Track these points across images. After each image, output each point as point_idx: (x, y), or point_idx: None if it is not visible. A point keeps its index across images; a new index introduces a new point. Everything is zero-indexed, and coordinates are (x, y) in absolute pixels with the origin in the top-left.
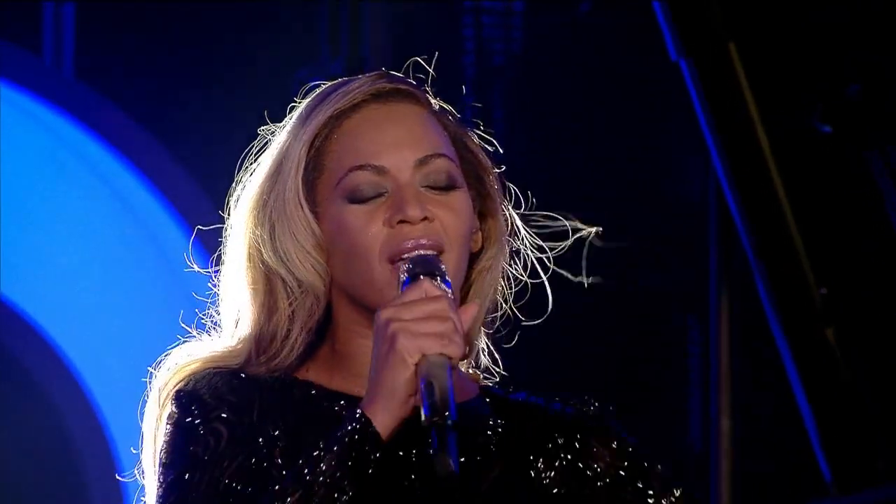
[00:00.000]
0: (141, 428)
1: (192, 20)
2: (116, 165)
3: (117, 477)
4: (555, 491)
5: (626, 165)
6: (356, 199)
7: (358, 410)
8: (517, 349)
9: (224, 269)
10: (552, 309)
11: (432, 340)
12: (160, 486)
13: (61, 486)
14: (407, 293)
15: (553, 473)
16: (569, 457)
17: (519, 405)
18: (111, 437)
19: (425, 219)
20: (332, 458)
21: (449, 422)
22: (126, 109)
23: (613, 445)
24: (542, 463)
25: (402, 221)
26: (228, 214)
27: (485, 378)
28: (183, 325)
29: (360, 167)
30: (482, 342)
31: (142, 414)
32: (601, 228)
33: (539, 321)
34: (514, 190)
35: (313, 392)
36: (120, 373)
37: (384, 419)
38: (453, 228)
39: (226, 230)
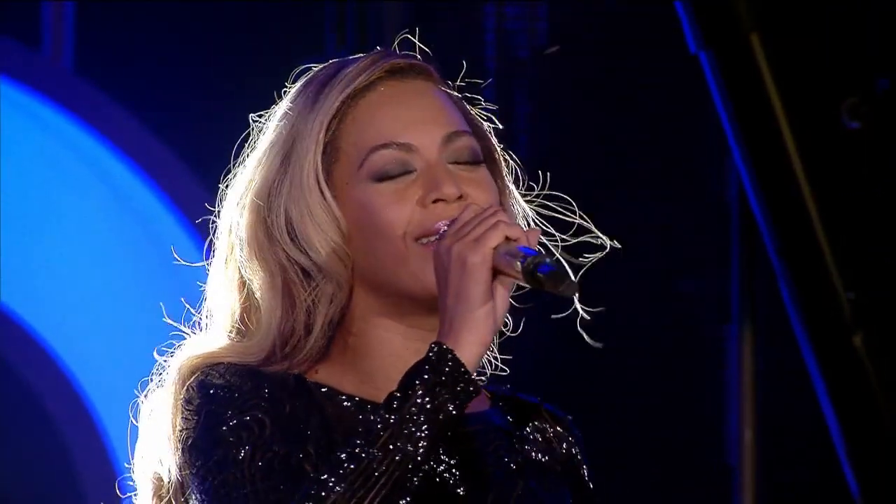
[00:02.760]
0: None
1: (194, 11)
2: (116, 163)
3: (115, 480)
4: (567, 479)
5: (655, 162)
6: (383, 177)
7: (436, 344)
8: (538, 355)
9: (220, 263)
10: (574, 312)
11: (495, 231)
12: (203, 468)
13: (57, 493)
14: (458, 219)
15: (560, 468)
16: (563, 452)
17: (524, 404)
18: (109, 443)
19: (460, 197)
20: (419, 393)
21: (547, 259)
22: (127, 106)
23: (581, 450)
24: (550, 459)
25: (437, 200)
26: (222, 206)
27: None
28: (180, 323)
29: (385, 145)
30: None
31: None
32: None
33: (562, 325)
34: (518, 169)
35: (330, 393)
36: (117, 377)
37: (470, 345)
38: (485, 205)
39: (219, 223)
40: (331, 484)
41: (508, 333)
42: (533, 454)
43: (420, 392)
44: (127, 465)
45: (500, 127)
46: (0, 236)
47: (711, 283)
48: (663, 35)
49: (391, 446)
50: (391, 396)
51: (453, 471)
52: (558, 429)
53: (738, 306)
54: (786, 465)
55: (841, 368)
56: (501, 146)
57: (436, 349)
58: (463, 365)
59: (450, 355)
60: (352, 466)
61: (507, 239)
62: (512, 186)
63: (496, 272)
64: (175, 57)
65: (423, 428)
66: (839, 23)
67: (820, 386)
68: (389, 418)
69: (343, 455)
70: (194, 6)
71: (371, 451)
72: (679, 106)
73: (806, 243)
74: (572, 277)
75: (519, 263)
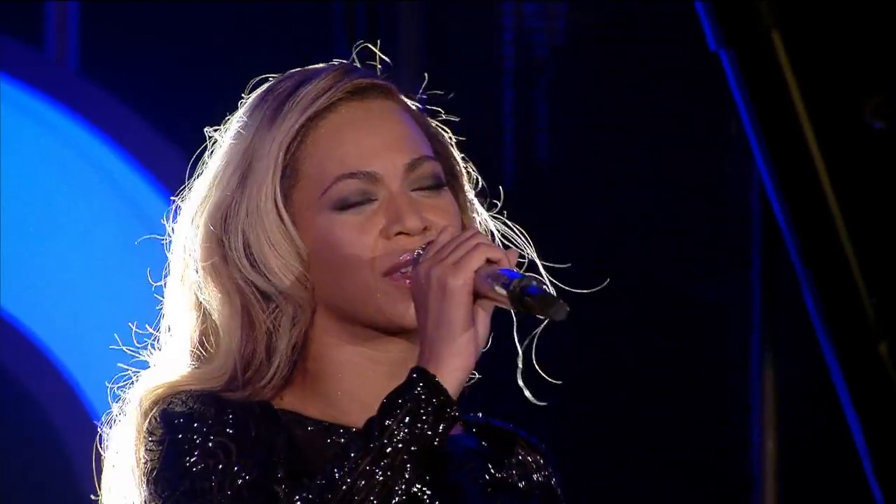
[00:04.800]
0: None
1: (200, 10)
2: (121, 164)
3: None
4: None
5: (676, 163)
6: (345, 207)
7: (419, 369)
8: (554, 362)
9: (175, 282)
10: (590, 321)
11: (476, 254)
12: (170, 499)
13: (59, 500)
14: (436, 242)
15: (537, 493)
16: (539, 480)
17: (498, 430)
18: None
19: (424, 229)
20: (400, 419)
21: (534, 281)
22: (133, 107)
23: (557, 478)
24: (525, 484)
25: (399, 233)
26: (175, 221)
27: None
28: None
29: (351, 175)
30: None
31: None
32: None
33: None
34: (484, 185)
35: (297, 417)
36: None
37: (452, 371)
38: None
39: (172, 238)
40: None
41: (482, 349)
42: (508, 477)
43: (402, 418)
44: (93, 498)
45: (470, 145)
46: (0, 239)
47: (735, 289)
48: (684, 33)
49: (372, 474)
50: (371, 422)
51: (426, 491)
52: (534, 457)
53: (760, 313)
54: (808, 475)
55: (865, 377)
56: (463, 157)
57: (417, 374)
58: (446, 391)
59: (433, 381)
60: (330, 495)
61: (488, 261)
62: (475, 201)
63: (477, 296)
64: (181, 57)
65: (405, 455)
66: (862, 20)
67: (844, 394)
68: (370, 445)
69: (322, 482)
70: (200, 5)
71: (351, 478)
72: (701, 105)
73: (829, 247)
74: (561, 300)
75: (503, 287)
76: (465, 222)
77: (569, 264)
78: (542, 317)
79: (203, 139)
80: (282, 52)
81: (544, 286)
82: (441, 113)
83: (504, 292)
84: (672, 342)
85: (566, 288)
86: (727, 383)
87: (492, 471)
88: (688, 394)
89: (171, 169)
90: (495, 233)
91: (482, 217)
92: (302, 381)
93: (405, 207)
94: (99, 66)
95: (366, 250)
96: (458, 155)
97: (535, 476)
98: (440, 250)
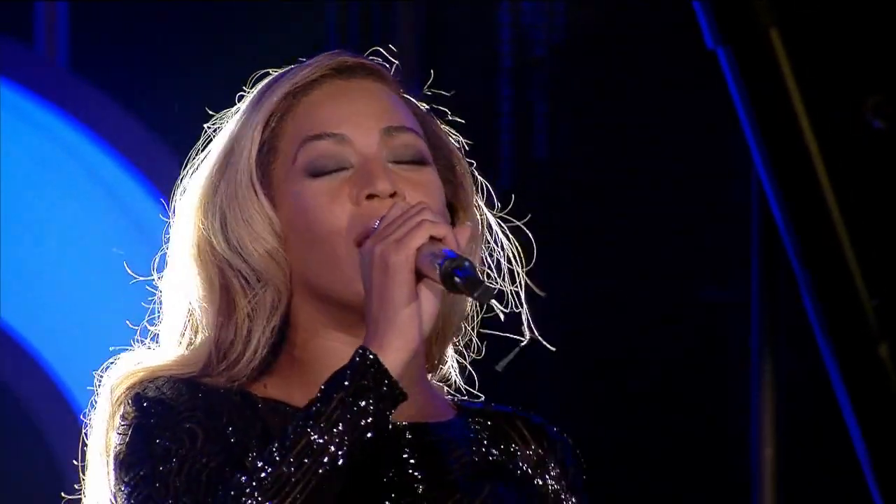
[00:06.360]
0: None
1: (191, 9)
2: (112, 164)
3: None
4: (538, 485)
5: (677, 163)
6: (316, 172)
7: (360, 349)
8: (555, 366)
9: (169, 268)
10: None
11: (419, 231)
12: (129, 484)
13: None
14: (385, 217)
15: (536, 477)
16: (535, 457)
17: (495, 414)
18: None
19: (395, 194)
20: (340, 399)
21: (466, 262)
22: (123, 106)
23: (562, 457)
24: (521, 465)
25: (370, 196)
26: (172, 210)
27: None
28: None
29: (318, 136)
30: (452, 358)
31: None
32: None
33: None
34: (487, 186)
35: (278, 406)
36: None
37: (395, 350)
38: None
39: (170, 226)
40: (247, 492)
41: (473, 356)
42: (500, 459)
43: (341, 398)
44: (76, 487)
45: (467, 145)
46: None
47: (735, 289)
48: (685, 31)
49: (310, 452)
50: (311, 402)
51: (417, 476)
52: (530, 439)
53: (759, 316)
54: (807, 478)
55: (865, 379)
56: (472, 163)
57: (360, 354)
58: (387, 370)
59: (371, 359)
60: (268, 472)
61: (433, 238)
62: (479, 203)
63: (421, 274)
64: (171, 56)
65: (344, 435)
66: (861, 18)
67: (843, 397)
68: (308, 425)
69: (260, 462)
70: (191, 5)
71: (289, 458)
72: (702, 104)
73: (828, 247)
74: (487, 283)
75: (437, 266)
76: (461, 223)
77: (569, 271)
78: (471, 298)
79: (193, 137)
80: (273, 51)
81: (474, 268)
82: (448, 114)
83: (437, 271)
84: (671, 342)
85: (565, 287)
86: (727, 385)
87: (483, 456)
88: (686, 395)
89: (161, 167)
90: (502, 239)
91: (487, 220)
92: (289, 368)
93: (376, 171)
94: (88, 66)
95: (336, 217)
96: (459, 154)
97: (531, 455)
98: (386, 227)
